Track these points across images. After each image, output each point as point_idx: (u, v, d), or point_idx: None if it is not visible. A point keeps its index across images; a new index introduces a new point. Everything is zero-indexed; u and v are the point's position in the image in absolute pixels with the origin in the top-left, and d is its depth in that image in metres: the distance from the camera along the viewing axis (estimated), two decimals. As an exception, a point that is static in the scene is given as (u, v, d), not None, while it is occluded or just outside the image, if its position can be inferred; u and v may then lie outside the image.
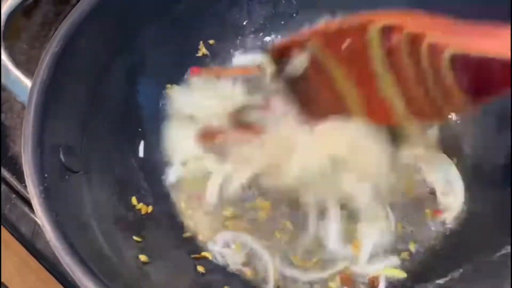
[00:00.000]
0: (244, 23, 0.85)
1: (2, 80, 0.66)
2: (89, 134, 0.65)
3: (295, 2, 0.85)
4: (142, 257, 0.61)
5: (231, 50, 0.85)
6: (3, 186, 0.79)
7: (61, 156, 0.60)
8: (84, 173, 0.62)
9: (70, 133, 0.62)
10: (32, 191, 0.53)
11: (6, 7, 0.75)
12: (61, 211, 0.53)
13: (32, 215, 0.76)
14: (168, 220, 0.70)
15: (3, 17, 0.72)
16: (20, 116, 0.86)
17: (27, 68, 0.80)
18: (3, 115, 0.86)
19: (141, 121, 0.75)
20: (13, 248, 0.78)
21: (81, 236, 0.54)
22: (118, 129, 0.70)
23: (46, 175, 0.55)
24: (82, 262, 0.49)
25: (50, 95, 0.60)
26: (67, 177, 0.59)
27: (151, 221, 0.67)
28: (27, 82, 0.65)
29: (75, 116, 0.64)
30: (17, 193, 0.78)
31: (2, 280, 0.79)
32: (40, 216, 0.51)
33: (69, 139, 0.62)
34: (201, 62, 0.84)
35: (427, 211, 0.70)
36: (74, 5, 0.94)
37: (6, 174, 0.79)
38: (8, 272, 0.79)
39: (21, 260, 0.79)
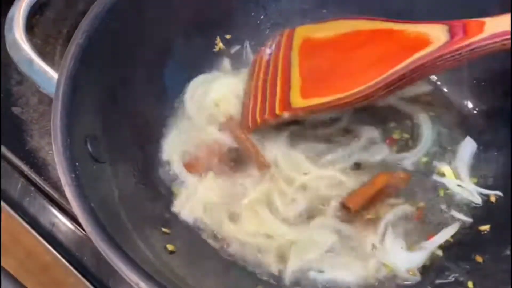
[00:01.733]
0: (262, 17, 0.85)
1: (26, 71, 0.66)
2: (114, 124, 0.65)
3: (309, -3, 0.86)
4: (170, 247, 0.61)
5: (248, 45, 0.86)
6: (22, 179, 0.79)
7: (88, 146, 0.60)
8: (109, 164, 0.62)
9: (96, 124, 0.63)
10: (64, 179, 0.53)
11: (26, 2, 0.76)
12: (92, 199, 0.53)
13: (51, 208, 0.77)
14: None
15: (24, 10, 0.72)
16: (37, 110, 0.86)
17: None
18: (19, 109, 0.86)
19: (165, 114, 0.76)
20: (11, 252, 0.78)
21: (112, 223, 0.54)
22: (143, 121, 0.71)
23: (76, 164, 0.55)
24: (118, 247, 0.49)
25: (77, 86, 0.61)
26: (94, 167, 0.60)
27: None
28: (52, 74, 0.65)
29: (100, 107, 0.64)
30: (36, 186, 0.78)
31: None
32: (73, 203, 0.52)
33: (95, 129, 0.62)
34: (218, 57, 0.84)
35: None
36: (87, 2, 0.96)
37: (24, 167, 0.79)
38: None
39: (18, 264, 0.79)
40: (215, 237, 0.68)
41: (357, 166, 0.73)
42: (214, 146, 0.75)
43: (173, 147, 0.74)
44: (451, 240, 0.67)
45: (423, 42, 0.64)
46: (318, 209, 0.70)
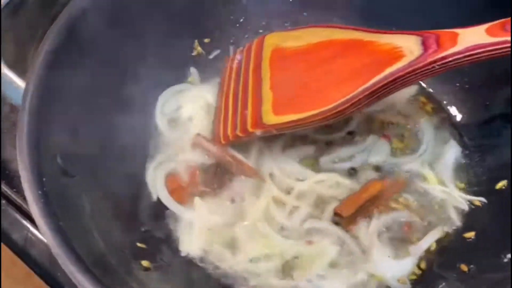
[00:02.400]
0: (241, 20, 0.83)
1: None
2: (85, 136, 0.62)
3: (291, 0, 0.84)
4: (145, 263, 0.59)
5: (227, 48, 0.84)
6: (-7, 192, 0.76)
7: (58, 160, 0.57)
8: (81, 178, 0.60)
9: (66, 135, 0.60)
10: (31, 196, 0.50)
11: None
12: (62, 216, 0.51)
13: (24, 221, 0.73)
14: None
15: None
16: (8, 119, 0.83)
17: (15, 69, 0.78)
18: (-10, 119, 0.83)
19: (140, 128, 0.74)
20: None
21: (83, 241, 0.51)
22: (114, 133, 0.68)
23: (44, 179, 0.52)
24: (87, 269, 0.47)
25: (45, 96, 0.58)
26: (64, 181, 0.57)
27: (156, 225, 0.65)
28: (20, 83, 0.62)
29: (70, 118, 0.61)
30: (7, 199, 0.75)
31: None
32: (40, 222, 0.49)
33: (65, 141, 0.59)
34: (196, 62, 0.82)
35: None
36: (62, 5, 0.93)
37: (-5, 179, 0.76)
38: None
39: (3, 272, 0.76)
40: (215, 268, 0.66)
41: (354, 170, 0.72)
42: (191, 166, 0.72)
43: (155, 173, 0.72)
44: (437, 247, 0.66)
45: (396, 55, 0.62)
46: (317, 216, 0.68)
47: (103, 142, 0.66)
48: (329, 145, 0.74)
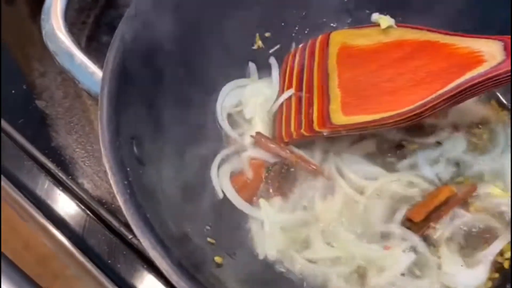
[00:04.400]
0: (303, 15, 0.82)
1: (66, 65, 0.61)
2: (157, 124, 0.62)
3: (352, -2, 0.83)
4: (218, 259, 0.58)
5: (287, 44, 0.82)
6: (49, 178, 0.75)
7: (134, 148, 0.56)
8: (152, 166, 0.58)
9: (140, 124, 0.59)
10: (116, 187, 0.49)
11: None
12: (146, 207, 0.49)
13: (81, 210, 0.72)
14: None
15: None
16: (62, 104, 0.82)
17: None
18: (44, 103, 0.82)
19: (201, 120, 0.72)
20: (8, 242, 0.72)
21: (165, 233, 0.50)
22: (181, 123, 0.66)
23: (128, 169, 0.51)
24: (179, 264, 0.46)
25: (121, 84, 0.57)
26: (141, 171, 0.55)
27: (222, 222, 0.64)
28: (94, 69, 0.61)
29: (143, 106, 0.60)
30: (63, 186, 0.74)
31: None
32: (128, 213, 0.48)
33: (139, 130, 0.58)
34: (255, 56, 0.80)
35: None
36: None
37: (50, 165, 0.75)
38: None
39: (15, 256, 0.74)
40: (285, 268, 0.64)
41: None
42: (255, 164, 0.71)
43: (219, 171, 0.70)
44: (510, 261, 0.64)
45: (475, 59, 0.60)
46: (389, 219, 0.66)
47: (172, 131, 0.64)
48: (400, 147, 0.72)
